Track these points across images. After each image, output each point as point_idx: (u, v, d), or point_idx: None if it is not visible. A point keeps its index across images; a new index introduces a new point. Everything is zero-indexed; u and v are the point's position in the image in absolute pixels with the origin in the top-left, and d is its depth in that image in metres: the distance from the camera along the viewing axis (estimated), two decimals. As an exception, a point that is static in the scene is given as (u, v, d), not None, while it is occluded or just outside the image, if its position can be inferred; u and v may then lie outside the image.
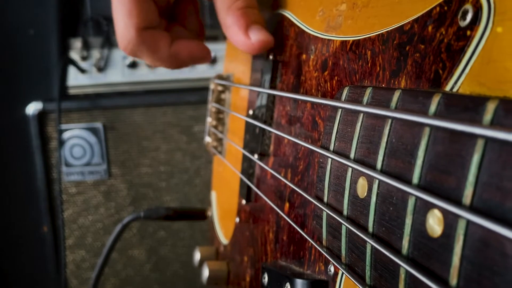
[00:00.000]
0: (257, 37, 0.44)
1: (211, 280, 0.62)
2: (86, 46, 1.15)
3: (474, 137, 0.18)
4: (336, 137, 0.31)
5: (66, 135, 1.14)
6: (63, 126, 1.13)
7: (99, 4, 1.19)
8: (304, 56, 0.42)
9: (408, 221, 0.22)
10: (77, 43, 1.14)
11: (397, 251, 0.23)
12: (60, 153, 1.13)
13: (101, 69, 1.14)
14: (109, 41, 1.15)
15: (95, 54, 1.14)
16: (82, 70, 1.13)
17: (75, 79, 1.14)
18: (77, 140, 1.15)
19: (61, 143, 1.13)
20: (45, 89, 1.13)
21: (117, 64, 1.15)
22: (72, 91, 1.14)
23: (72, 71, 1.14)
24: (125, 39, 0.47)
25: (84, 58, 1.14)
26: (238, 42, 0.45)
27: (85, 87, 1.14)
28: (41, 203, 1.15)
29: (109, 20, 1.16)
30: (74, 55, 1.14)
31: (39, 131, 1.12)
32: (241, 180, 0.56)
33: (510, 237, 0.15)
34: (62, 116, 1.11)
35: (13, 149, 1.15)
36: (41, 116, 1.12)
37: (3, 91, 1.14)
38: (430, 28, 0.24)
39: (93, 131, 1.14)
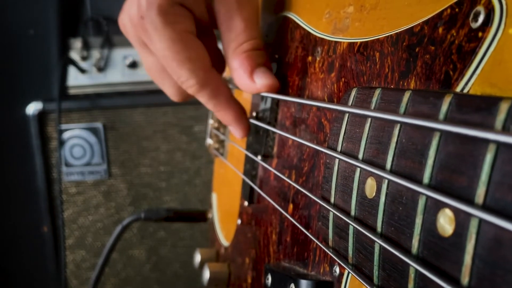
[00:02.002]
0: (262, 81, 0.44)
1: (212, 282, 0.62)
2: (86, 46, 1.15)
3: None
4: (344, 137, 0.31)
5: (66, 135, 1.14)
6: (63, 126, 1.13)
7: (99, 4, 1.19)
8: (310, 58, 0.42)
9: (418, 220, 0.22)
10: (77, 43, 1.14)
11: (406, 251, 0.23)
12: (60, 153, 1.13)
13: (101, 69, 1.14)
14: (109, 41, 1.15)
15: (95, 54, 1.14)
16: (82, 70, 1.13)
17: (75, 79, 1.14)
18: (77, 140, 1.15)
19: (61, 143, 1.13)
20: (45, 89, 1.13)
21: (117, 64, 1.15)
22: (72, 91, 1.14)
23: (72, 71, 1.14)
24: (193, 83, 0.46)
25: (84, 58, 1.14)
26: (243, 85, 0.46)
27: (85, 87, 1.14)
28: (41, 203, 1.15)
29: (109, 20, 1.16)
30: (74, 55, 1.14)
31: (39, 131, 1.12)
32: (243, 182, 0.56)
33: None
34: (62, 116, 1.11)
35: (13, 149, 1.15)
36: (41, 116, 1.12)
37: (3, 91, 1.14)
38: (440, 29, 0.24)
39: (93, 131, 1.14)
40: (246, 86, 0.45)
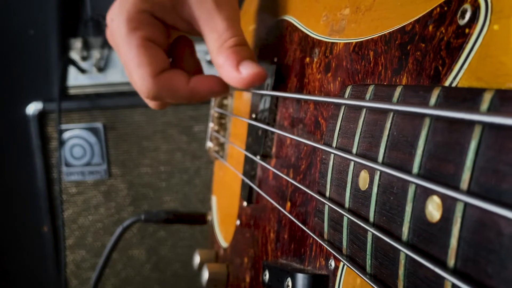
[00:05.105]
0: (248, 70, 0.44)
1: (211, 282, 0.63)
2: (86, 46, 1.15)
3: (471, 124, 0.19)
4: (339, 133, 0.32)
5: (66, 135, 1.15)
6: (63, 126, 1.13)
7: (99, 4, 1.19)
8: (307, 59, 0.43)
9: (408, 208, 0.23)
10: (77, 43, 1.15)
11: (397, 238, 0.24)
12: (60, 153, 1.14)
13: (101, 69, 1.15)
14: (109, 42, 1.15)
15: (95, 54, 1.15)
16: (82, 70, 1.14)
17: (75, 79, 1.14)
18: (77, 140, 1.15)
19: (61, 143, 1.14)
20: (45, 89, 1.14)
21: (117, 64, 1.15)
22: (72, 91, 1.14)
23: (72, 71, 1.14)
24: (145, 89, 0.47)
25: (84, 58, 1.15)
26: (230, 78, 0.45)
27: (85, 87, 1.15)
28: (41, 203, 1.15)
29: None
30: (74, 55, 1.15)
31: (39, 131, 1.13)
32: (243, 182, 0.57)
33: (505, 216, 0.16)
34: (62, 116, 1.11)
35: (13, 149, 1.16)
36: (41, 116, 1.12)
37: (3, 91, 1.14)
38: (430, 27, 0.25)
39: (93, 131, 1.15)
40: (234, 79, 0.45)
